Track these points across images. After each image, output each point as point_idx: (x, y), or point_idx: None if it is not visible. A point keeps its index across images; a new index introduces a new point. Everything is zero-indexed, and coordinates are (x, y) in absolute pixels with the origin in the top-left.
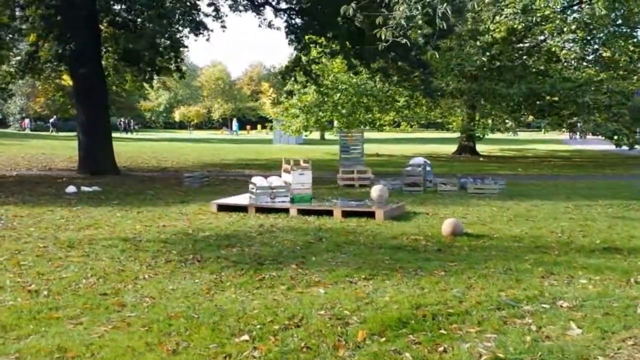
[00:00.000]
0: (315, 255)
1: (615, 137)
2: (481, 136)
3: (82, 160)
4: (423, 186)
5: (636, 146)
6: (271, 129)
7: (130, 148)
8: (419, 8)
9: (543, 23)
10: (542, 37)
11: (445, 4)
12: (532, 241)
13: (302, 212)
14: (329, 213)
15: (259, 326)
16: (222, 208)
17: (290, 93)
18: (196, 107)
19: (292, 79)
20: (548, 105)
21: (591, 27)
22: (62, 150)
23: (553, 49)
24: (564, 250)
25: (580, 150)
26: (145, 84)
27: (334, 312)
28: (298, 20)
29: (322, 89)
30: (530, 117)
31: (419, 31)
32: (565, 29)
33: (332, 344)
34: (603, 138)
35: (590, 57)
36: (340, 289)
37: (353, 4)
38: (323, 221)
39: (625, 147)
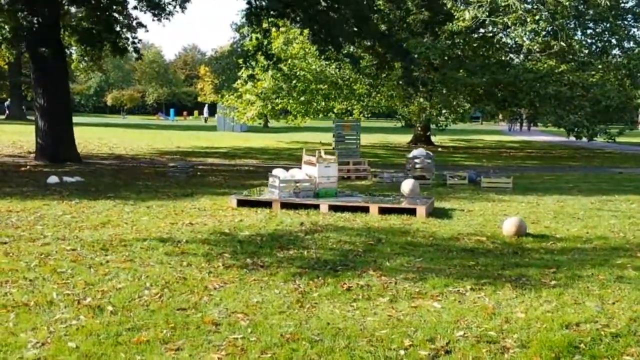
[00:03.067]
0: (387, 260)
1: (576, 130)
2: (444, 127)
3: (41, 147)
4: (432, 179)
5: (594, 138)
6: (213, 115)
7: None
8: None
9: (500, 13)
10: (502, 27)
11: None
12: (603, 242)
13: (333, 208)
14: (363, 209)
15: (402, 352)
16: (242, 203)
17: (252, 77)
18: (129, 91)
19: (248, 63)
20: (510, 96)
21: (553, 17)
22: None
23: (516, 39)
24: None
25: (526, 141)
26: (93, 65)
27: (475, 333)
28: (262, 2)
29: (279, 75)
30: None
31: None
32: (529, 20)
33: None
34: (544, 129)
35: (547, 49)
36: (454, 302)
37: None
38: (365, 219)
39: (584, 139)
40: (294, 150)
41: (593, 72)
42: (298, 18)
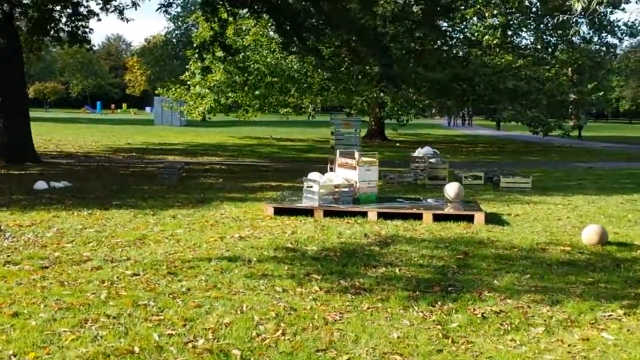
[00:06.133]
0: (493, 278)
1: (532, 125)
2: (405, 122)
3: None
4: (447, 179)
5: (549, 133)
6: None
7: None
8: None
9: (462, 6)
10: (459, 21)
11: None
12: None
13: (382, 215)
14: (415, 216)
15: None
16: (279, 211)
17: (207, 69)
18: (52, 83)
19: (201, 55)
20: (470, 91)
21: (510, 11)
22: None
23: (475, 34)
24: None
25: (472, 135)
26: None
27: None
28: None
29: (231, 68)
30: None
31: None
32: (487, 14)
33: None
34: (482, 123)
35: (508, 43)
36: (621, 331)
37: None
38: (426, 227)
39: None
40: (254, 146)
41: (548, 67)
42: (257, 6)
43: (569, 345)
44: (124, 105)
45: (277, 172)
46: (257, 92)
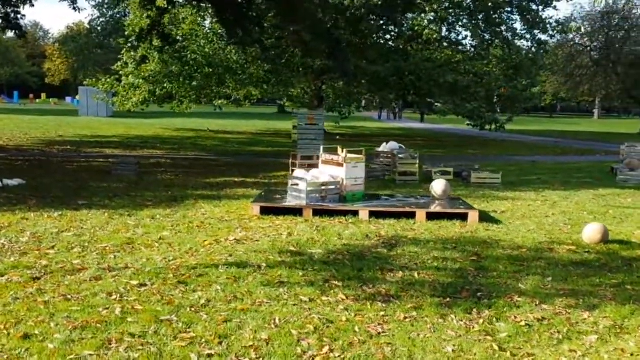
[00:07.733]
0: (517, 282)
1: (472, 118)
2: (347, 115)
3: None
4: (417, 175)
5: (486, 127)
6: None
7: None
8: None
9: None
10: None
11: None
12: None
13: (374, 214)
14: (407, 215)
15: None
16: (266, 210)
17: (145, 59)
18: None
19: (135, 44)
20: (411, 85)
21: (447, 6)
22: None
23: (415, 28)
24: None
25: (405, 128)
26: None
27: None
28: None
29: (166, 57)
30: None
31: None
32: (427, 9)
33: None
34: (411, 116)
35: (448, 39)
36: None
37: None
38: (423, 227)
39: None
40: (192, 139)
41: (485, 62)
42: None
43: (631, 355)
44: (43, 95)
45: (231, 166)
46: (194, 83)
